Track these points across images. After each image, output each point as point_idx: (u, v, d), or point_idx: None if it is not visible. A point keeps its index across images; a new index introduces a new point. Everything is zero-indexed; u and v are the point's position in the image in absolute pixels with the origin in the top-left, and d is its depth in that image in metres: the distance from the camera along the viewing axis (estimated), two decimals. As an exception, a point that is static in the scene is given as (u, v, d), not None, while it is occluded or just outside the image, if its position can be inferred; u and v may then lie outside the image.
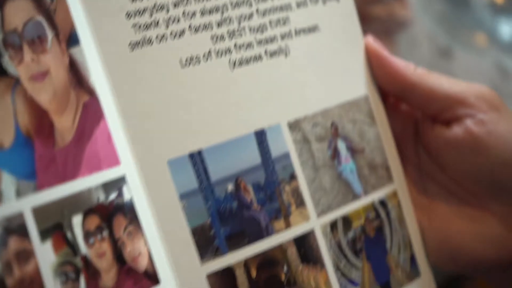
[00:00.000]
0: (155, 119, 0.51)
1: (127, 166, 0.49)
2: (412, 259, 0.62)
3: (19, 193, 0.48)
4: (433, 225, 0.64)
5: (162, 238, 0.50)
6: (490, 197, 0.60)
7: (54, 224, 0.48)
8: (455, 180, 0.61)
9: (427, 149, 0.63)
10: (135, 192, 0.49)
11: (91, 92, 0.49)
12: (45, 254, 0.48)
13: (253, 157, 0.55)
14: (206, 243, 0.51)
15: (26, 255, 0.47)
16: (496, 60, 1.22)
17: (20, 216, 0.47)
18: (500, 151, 0.58)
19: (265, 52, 0.56)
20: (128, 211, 0.49)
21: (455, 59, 1.22)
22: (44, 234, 0.48)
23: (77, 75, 0.50)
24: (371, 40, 0.63)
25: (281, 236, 0.55)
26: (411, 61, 0.64)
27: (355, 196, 0.60)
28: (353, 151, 0.61)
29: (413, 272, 0.62)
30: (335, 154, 0.59)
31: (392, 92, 0.63)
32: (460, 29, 1.24)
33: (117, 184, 0.49)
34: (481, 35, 1.24)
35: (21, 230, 0.47)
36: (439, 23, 1.23)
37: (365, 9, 0.84)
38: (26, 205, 0.47)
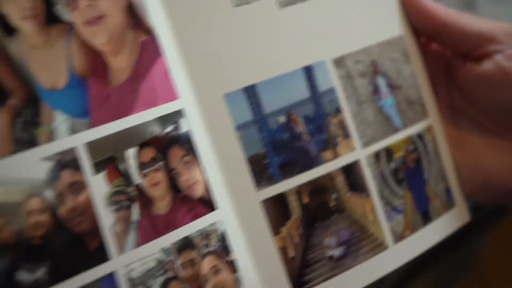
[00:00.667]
0: (212, 56, 0.53)
1: (185, 100, 0.52)
2: (448, 190, 0.65)
3: (73, 131, 0.49)
4: (466, 158, 0.66)
5: (219, 167, 0.52)
6: None
7: (107, 157, 0.49)
8: (486, 114, 0.64)
9: (459, 86, 0.65)
10: (193, 124, 0.52)
11: (148, 32, 0.51)
12: (98, 185, 0.48)
13: (302, 91, 0.57)
14: (261, 171, 0.54)
15: (78, 186, 0.47)
16: None
17: (72, 151, 0.48)
18: None
19: None
20: (185, 142, 0.51)
21: (478, 8, 1.23)
22: (97, 167, 0.48)
23: (134, 17, 0.51)
24: None
25: (330, 166, 0.57)
26: None
27: (395, 129, 0.62)
28: (392, 87, 0.63)
29: (449, 202, 0.65)
30: (376, 89, 0.62)
31: (425, 31, 0.65)
32: None
33: (174, 117, 0.51)
34: None
35: (74, 164, 0.48)
36: None
37: None
38: (79, 141, 0.48)
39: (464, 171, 0.67)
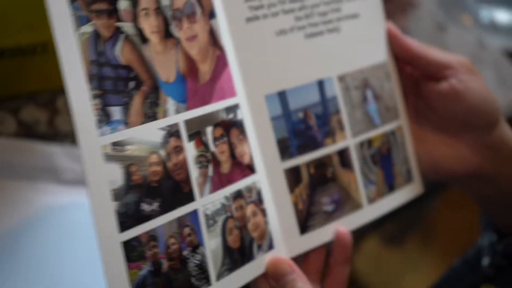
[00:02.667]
0: (258, 69, 0.62)
1: (240, 97, 0.60)
2: (408, 171, 0.73)
3: (177, 111, 0.56)
4: (424, 149, 0.73)
5: (258, 144, 0.61)
6: (462, 130, 0.69)
7: (196, 131, 0.56)
8: (441, 118, 0.70)
9: (423, 97, 0.71)
10: (244, 114, 0.60)
11: (221, 49, 0.59)
12: (190, 149, 0.56)
13: (315, 96, 0.66)
14: (285, 149, 0.62)
15: (179, 149, 0.55)
16: (478, 35, 1.30)
17: (177, 125, 0.55)
18: (472, 101, 0.68)
19: (326, 29, 0.67)
20: (240, 126, 0.59)
21: (449, 33, 1.30)
22: (190, 137, 0.56)
23: (213, 37, 0.59)
24: (390, 24, 0.71)
25: (329, 149, 0.66)
26: (417, 33, 0.69)
27: (376, 126, 0.70)
28: (376, 97, 0.71)
29: (409, 179, 0.73)
30: (365, 98, 0.69)
31: (402, 59, 0.71)
32: (453, 11, 1.30)
33: (234, 108, 0.59)
34: (468, 17, 1.31)
35: (177, 134, 0.55)
36: (438, 5, 1.29)
37: None
38: (180, 118, 0.55)
39: (422, 158, 0.73)
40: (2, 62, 0.76)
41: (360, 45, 0.69)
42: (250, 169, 0.60)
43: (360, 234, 1.00)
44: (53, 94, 0.84)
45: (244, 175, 0.60)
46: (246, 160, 0.60)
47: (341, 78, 0.67)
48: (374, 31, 0.71)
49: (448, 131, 0.71)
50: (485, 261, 0.76)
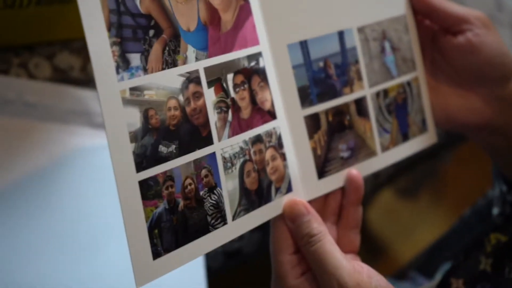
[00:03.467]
0: (281, 19, 0.59)
1: (263, 46, 0.58)
2: (423, 120, 0.70)
3: (197, 59, 0.53)
4: (438, 99, 0.71)
5: (280, 91, 0.59)
6: (476, 83, 0.67)
7: (216, 78, 0.54)
8: (456, 71, 0.68)
9: (440, 50, 0.69)
10: (267, 62, 0.58)
11: None
12: (210, 95, 0.53)
13: (335, 47, 0.63)
14: (305, 97, 0.60)
15: (198, 95, 0.53)
16: None
17: (196, 71, 0.53)
18: (487, 54, 0.65)
19: None
20: (261, 73, 0.58)
21: (465, 3, 1.21)
22: (210, 83, 0.53)
23: None
24: None
25: (347, 97, 0.64)
26: None
27: (392, 77, 0.68)
28: (394, 49, 0.68)
29: (423, 128, 0.71)
30: (383, 49, 0.67)
31: (420, 11, 0.69)
32: None
33: (256, 56, 0.57)
34: None
35: (197, 80, 0.53)
36: None
37: None
38: (200, 65, 0.53)
39: (436, 108, 0.70)
40: (40, 9, 0.74)
41: None
42: (270, 115, 0.58)
43: (375, 187, 0.97)
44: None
45: (265, 121, 0.58)
46: (267, 106, 0.58)
47: (361, 30, 0.64)
48: None
49: (463, 83, 0.68)
50: (495, 211, 0.73)
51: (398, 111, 0.68)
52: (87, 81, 0.81)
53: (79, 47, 0.82)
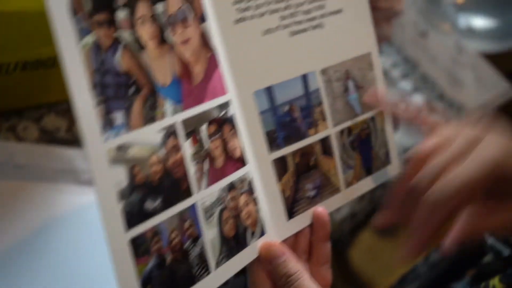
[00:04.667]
0: (247, 67, 0.61)
1: (231, 95, 0.60)
2: (387, 153, 0.73)
3: (174, 112, 0.55)
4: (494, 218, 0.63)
5: (248, 137, 0.61)
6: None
7: (192, 129, 0.56)
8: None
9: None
10: (235, 110, 0.60)
11: (212, 50, 0.59)
12: (187, 147, 0.55)
13: (300, 90, 0.65)
14: (272, 141, 0.62)
15: (177, 148, 0.55)
16: (456, 40, 1.31)
17: (174, 125, 0.55)
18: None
19: (310, 26, 0.66)
20: (231, 121, 0.59)
21: (430, 39, 1.31)
22: (187, 136, 0.55)
23: (205, 40, 0.58)
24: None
25: (313, 138, 0.66)
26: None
27: (356, 114, 0.70)
28: (357, 87, 0.70)
29: (387, 161, 0.73)
30: (346, 89, 0.69)
31: None
32: (433, 19, 1.31)
33: (226, 105, 0.59)
34: (446, 24, 1.32)
35: (175, 134, 0.54)
36: (420, 14, 1.30)
37: (374, 2, 0.89)
38: (177, 119, 0.55)
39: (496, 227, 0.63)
40: (25, 74, 0.77)
41: (343, 39, 0.69)
42: (241, 161, 0.60)
43: (355, 227, 1.01)
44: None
45: (237, 168, 0.60)
46: (237, 153, 0.60)
47: (324, 71, 0.67)
48: (358, 24, 0.71)
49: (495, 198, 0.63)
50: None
51: (362, 146, 0.70)
52: (73, 141, 0.85)
53: (65, 109, 0.87)
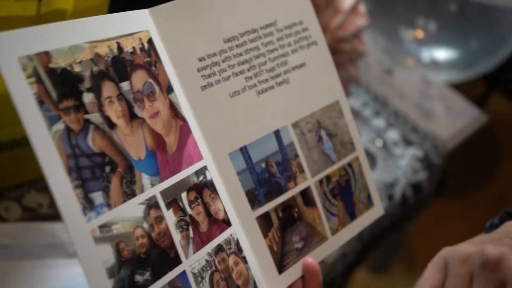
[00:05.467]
0: (219, 131, 0.63)
1: (207, 160, 0.62)
2: (369, 196, 0.75)
3: (152, 185, 0.56)
4: None
5: (229, 199, 0.62)
6: None
7: (172, 199, 0.57)
8: None
9: None
10: (213, 174, 0.62)
11: (183, 119, 0.61)
12: (170, 217, 0.57)
13: (274, 146, 0.67)
14: (253, 199, 0.64)
15: (160, 219, 0.56)
16: (421, 74, 1.36)
17: (154, 197, 0.56)
18: None
19: (275, 83, 0.69)
20: (210, 186, 0.61)
21: (396, 75, 1.36)
22: (168, 205, 0.57)
23: (174, 110, 0.60)
24: None
25: (293, 191, 0.67)
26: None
27: (333, 162, 0.72)
28: (330, 135, 0.72)
29: (369, 204, 0.75)
30: (320, 138, 0.71)
31: None
32: (397, 56, 1.36)
33: (203, 170, 0.61)
34: (410, 59, 1.36)
35: (156, 205, 0.56)
36: (383, 52, 1.34)
37: (336, 46, 0.95)
38: (156, 190, 0.56)
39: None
40: (2, 155, 0.79)
41: (310, 91, 0.71)
42: (226, 223, 0.61)
43: (347, 268, 1.01)
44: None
45: (222, 230, 0.61)
46: (221, 215, 0.61)
47: (295, 125, 0.69)
48: (322, 74, 0.73)
49: None
50: None
51: (343, 193, 0.72)
52: (57, 215, 0.84)
53: (45, 185, 0.87)
